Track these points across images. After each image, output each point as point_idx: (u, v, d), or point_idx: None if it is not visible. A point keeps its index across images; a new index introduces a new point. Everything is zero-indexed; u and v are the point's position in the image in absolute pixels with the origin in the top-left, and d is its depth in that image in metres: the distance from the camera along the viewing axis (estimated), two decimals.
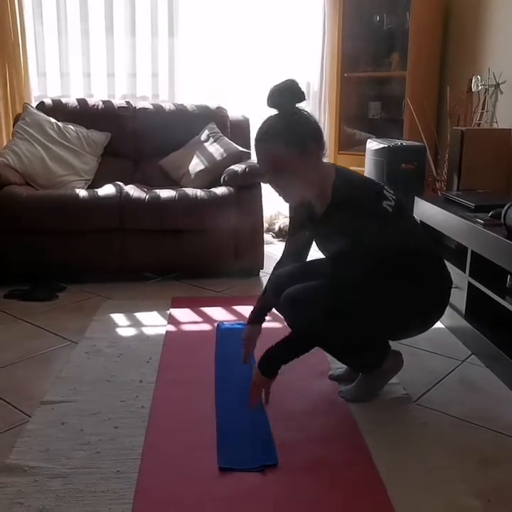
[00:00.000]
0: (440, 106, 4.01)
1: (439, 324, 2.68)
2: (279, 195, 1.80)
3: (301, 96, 1.73)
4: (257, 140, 1.75)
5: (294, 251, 2.09)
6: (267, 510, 1.48)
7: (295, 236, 2.07)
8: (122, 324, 2.68)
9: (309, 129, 1.73)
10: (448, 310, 2.62)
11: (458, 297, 2.57)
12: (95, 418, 1.88)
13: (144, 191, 3.28)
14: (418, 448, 1.74)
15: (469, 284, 2.45)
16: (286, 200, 1.84)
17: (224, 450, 1.71)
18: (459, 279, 2.56)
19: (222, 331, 2.60)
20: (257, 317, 2.14)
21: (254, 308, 2.16)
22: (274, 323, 2.71)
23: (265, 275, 3.38)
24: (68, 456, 1.67)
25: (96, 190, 3.29)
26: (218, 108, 3.90)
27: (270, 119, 1.74)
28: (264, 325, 2.15)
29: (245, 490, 1.55)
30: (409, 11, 3.77)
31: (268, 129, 1.72)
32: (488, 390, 2.11)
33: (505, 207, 2.23)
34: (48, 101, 3.88)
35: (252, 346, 2.15)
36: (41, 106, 3.82)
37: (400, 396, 2.03)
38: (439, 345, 2.48)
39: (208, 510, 1.47)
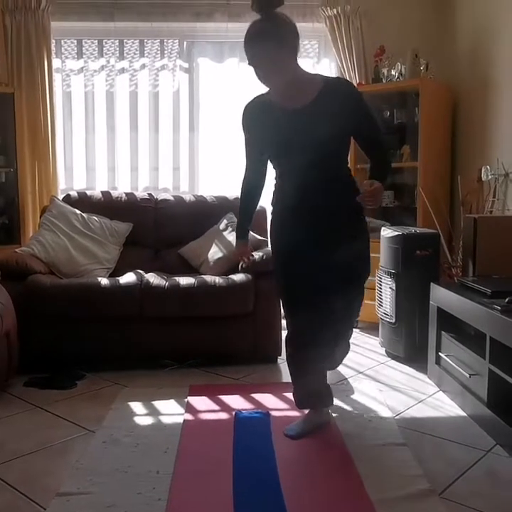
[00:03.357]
0: (452, 194, 4.11)
1: (461, 413, 2.65)
2: (264, 81, 2.07)
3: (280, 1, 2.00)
4: (250, 40, 1.98)
5: (258, 172, 2.40)
6: None
7: (255, 162, 2.38)
8: (140, 413, 2.66)
9: (292, 28, 2.01)
10: (470, 398, 2.59)
11: (479, 385, 2.53)
12: (111, 511, 1.84)
13: (164, 279, 3.36)
14: None
15: (490, 370, 2.42)
16: (272, 84, 2.10)
17: None
18: (480, 366, 2.53)
19: (240, 420, 2.57)
20: (246, 232, 2.55)
21: (240, 223, 2.56)
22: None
23: (283, 362, 3.36)
24: None
25: (117, 278, 3.37)
26: (236, 199, 4.00)
27: (259, 22, 1.98)
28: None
29: None
30: (418, 107, 3.95)
31: (260, 31, 1.97)
32: None
33: None
34: (73, 193, 4.06)
35: (247, 257, 2.57)
36: (67, 198, 4.00)
37: (424, 489, 1.97)
38: (462, 434, 2.42)
39: None
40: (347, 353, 2.55)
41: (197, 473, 2.10)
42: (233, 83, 4.41)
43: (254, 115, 2.24)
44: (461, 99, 4.13)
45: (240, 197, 2.51)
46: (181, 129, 4.51)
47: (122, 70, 4.47)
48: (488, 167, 3.50)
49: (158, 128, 4.50)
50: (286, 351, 2.41)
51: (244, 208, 2.51)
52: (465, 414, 2.63)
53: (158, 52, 4.50)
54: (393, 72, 4.10)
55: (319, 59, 4.49)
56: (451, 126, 4.16)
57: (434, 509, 1.85)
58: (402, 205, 4.21)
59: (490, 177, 3.48)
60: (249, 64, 2.02)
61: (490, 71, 3.72)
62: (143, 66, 4.47)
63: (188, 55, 4.50)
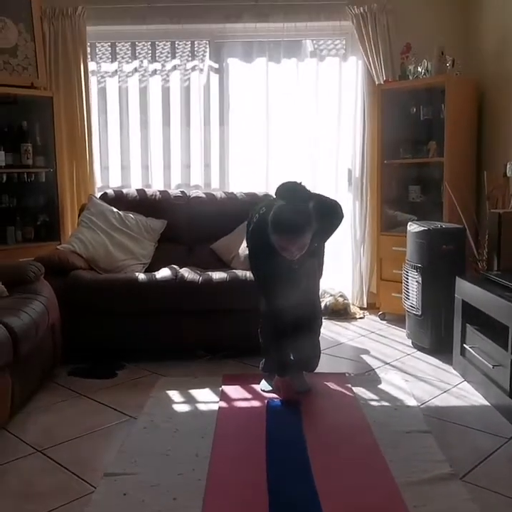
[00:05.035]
0: (478, 189, 4.16)
1: (484, 402, 2.74)
2: (295, 255, 2.53)
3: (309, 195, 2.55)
4: (296, 232, 2.45)
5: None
6: None
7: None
8: (177, 400, 2.82)
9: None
10: (493, 388, 2.68)
11: (502, 375, 2.62)
12: (155, 490, 2.00)
13: (198, 273, 3.50)
14: None
15: None
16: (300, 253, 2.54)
17: None
18: (502, 357, 2.62)
19: (272, 407, 2.72)
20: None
21: (285, 363, 2.81)
22: None
23: None
24: None
25: (154, 273, 3.53)
26: (265, 195, 4.14)
27: (296, 213, 2.45)
28: None
29: None
30: (444, 103, 4.00)
31: (302, 222, 2.45)
32: None
33: None
34: (110, 192, 4.24)
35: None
36: (104, 196, 4.17)
37: (446, 473, 2.08)
38: (485, 423, 2.52)
39: None
40: (319, 352, 3.08)
41: (233, 457, 2.25)
42: (262, 82, 4.51)
43: (265, 248, 2.63)
44: (487, 95, 4.17)
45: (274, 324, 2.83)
46: (212, 128, 4.63)
47: (155, 72, 4.61)
48: None
49: (190, 127, 4.62)
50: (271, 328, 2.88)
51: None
52: (488, 404, 2.72)
53: (189, 53, 4.63)
54: (419, 69, 4.16)
55: (346, 57, 4.56)
56: (477, 121, 4.19)
57: (456, 492, 1.97)
58: (429, 200, 4.27)
59: None
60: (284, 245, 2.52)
61: None
62: (174, 67, 4.61)
63: (218, 55, 4.61)
